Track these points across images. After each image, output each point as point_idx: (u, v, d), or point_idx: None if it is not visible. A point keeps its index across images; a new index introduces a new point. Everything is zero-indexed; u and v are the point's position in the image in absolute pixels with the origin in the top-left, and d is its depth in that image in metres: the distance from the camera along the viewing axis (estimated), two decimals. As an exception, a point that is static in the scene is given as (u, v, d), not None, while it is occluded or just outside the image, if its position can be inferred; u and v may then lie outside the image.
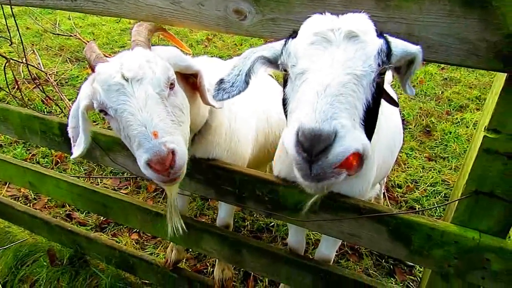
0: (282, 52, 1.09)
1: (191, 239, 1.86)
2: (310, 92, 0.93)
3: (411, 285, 2.39)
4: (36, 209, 2.78)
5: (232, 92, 1.15)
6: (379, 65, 0.99)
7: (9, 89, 4.03)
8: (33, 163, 3.17)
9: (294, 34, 1.09)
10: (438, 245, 1.26)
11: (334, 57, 0.97)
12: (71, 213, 2.88)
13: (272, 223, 2.80)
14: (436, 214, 2.89)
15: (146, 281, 2.29)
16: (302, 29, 1.07)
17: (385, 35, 1.04)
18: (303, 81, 0.99)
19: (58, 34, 5.66)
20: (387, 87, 1.91)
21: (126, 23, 6.70)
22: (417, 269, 2.48)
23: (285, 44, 1.09)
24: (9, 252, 2.43)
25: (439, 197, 3.05)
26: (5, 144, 3.61)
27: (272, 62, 1.17)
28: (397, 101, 2.28)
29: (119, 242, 2.53)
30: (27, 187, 2.36)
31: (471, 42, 0.99)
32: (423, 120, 4.04)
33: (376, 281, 1.69)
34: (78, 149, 1.40)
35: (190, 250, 2.52)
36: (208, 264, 2.50)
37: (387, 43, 1.02)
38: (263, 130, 2.06)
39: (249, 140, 1.91)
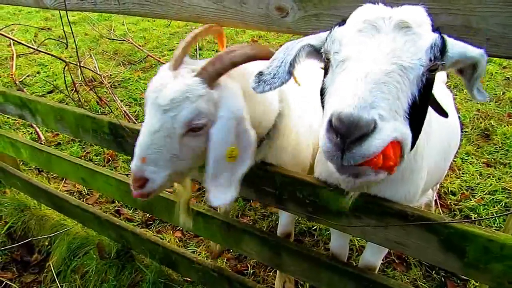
0: (326, 39, 1.03)
1: (231, 239, 1.86)
2: (349, 79, 0.88)
3: (465, 301, 2.21)
4: (88, 204, 2.93)
5: (274, 83, 1.10)
6: (430, 60, 0.92)
7: (68, 91, 4.33)
8: (87, 161, 3.36)
9: (342, 22, 1.03)
10: (497, 259, 1.14)
11: (380, 45, 0.91)
12: (119, 209, 3.01)
13: (315, 227, 2.73)
14: (495, 224, 2.66)
15: (187, 279, 2.33)
16: (351, 17, 1.02)
17: (442, 34, 0.96)
18: (344, 69, 0.93)
19: (112, 39, 6.00)
20: (439, 89, 1.80)
21: (175, 27, 6.94)
22: (471, 283, 2.29)
23: (330, 32, 1.05)
24: (63, 244, 2.59)
25: (498, 206, 2.81)
26: (63, 143, 3.86)
27: (318, 51, 1.12)
28: (452, 104, 2.13)
29: (163, 239, 2.60)
30: (80, 183, 2.50)
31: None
32: (481, 123, 3.75)
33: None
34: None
35: (231, 250, 2.53)
36: (248, 265, 2.49)
37: (443, 40, 0.94)
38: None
39: (310, 145, 1.87)
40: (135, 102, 4.52)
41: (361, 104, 0.81)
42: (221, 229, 1.86)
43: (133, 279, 2.31)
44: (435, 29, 0.96)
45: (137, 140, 1.25)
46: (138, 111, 4.29)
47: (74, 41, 1.85)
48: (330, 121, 0.83)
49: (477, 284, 2.23)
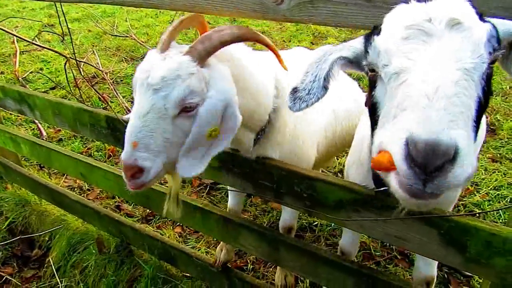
0: (367, 51, 0.97)
1: (229, 234, 1.84)
2: (416, 95, 0.79)
3: (469, 297, 2.17)
4: (89, 199, 2.93)
5: (310, 100, 1.05)
6: (490, 53, 0.85)
7: (70, 87, 4.32)
8: (88, 156, 3.35)
9: (376, 30, 0.96)
10: (499, 254, 1.11)
11: (438, 51, 0.83)
12: (120, 204, 3.00)
13: (316, 222, 2.70)
14: (501, 220, 2.61)
15: (186, 274, 2.31)
16: (387, 23, 0.94)
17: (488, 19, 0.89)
18: (402, 82, 0.85)
19: (115, 35, 5.99)
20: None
21: (178, 23, 6.90)
22: (475, 279, 2.25)
23: (367, 41, 0.98)
24: (63, 239, 2.58)
25: (504, 201, 2.75)
26: (64, 138, 3.86)
27: (353, 62, 1.06)
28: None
29: (163, 235, 2.59)
30: (80, 178, 2.49)
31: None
32: (487, 117, 3.68)
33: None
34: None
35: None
36: (248, 261, 2.47)
37: (494, 25, 0.87)
38: (331, 126, 2.00)
39: (314, 142, 1.85)
40: (137, 98, 4.50)
41: (438, 128, 0.73)
42: (218, 224, 1.84)
43: (132, 274, 2.30)
44: (480, 15, 0.88)
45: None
46: (140, 107, 4.27)
47: (70, 34, 1.82)
48: (406, 146, 0.76)
49: (481, 281, 2.18)
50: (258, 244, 1.75)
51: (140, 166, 1.16)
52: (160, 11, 7.42)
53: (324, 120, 1.94)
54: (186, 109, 1.18)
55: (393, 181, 0.82)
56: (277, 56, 1.39)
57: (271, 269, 2.40)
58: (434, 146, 0.72)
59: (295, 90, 1.08)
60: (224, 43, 1.22)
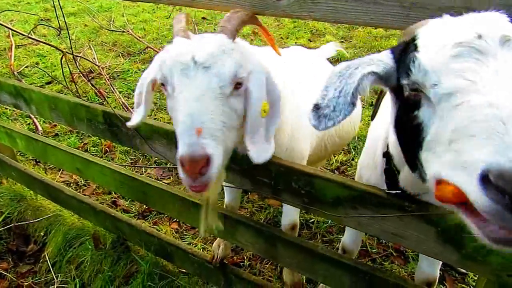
0: (407, 71, 0.90)
1: (226, 231, 1.83)
2: (486, 120, 0.74)
3: (463, 295, 2.19)
4: (85, 195, 2.91)
5: (336, 118, 0.98)
6: None
7: (66, 82, 4.29)
8: (84, 152, 3.33)
9: (410, 47, 0.91)
10: (495, 251, 1.11)
11: (497, 71, 0.78)
12: (116, 200, 2.99)
13: (312, 220, 2.71)
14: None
15: (183, 270, 2.31)
16: (426, 39, 0.89)
17: None
18: (459, 105, 0.79)
19: (112, 30, 5.94)
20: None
21: (176, 18, 6.87)
22: (470, 277, 2.27)
23: (400, 58, 0.93)
24: (59, 235, 2.57)
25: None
26: (61, 134, 3.84)
27: (382, 78, 1.01)
28: None
29: (159, 231, 2.58)
30: (76, 173, 2.48)
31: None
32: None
33: (422, 287, 1.55)
34: (136, 117, 1.44)
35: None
36: (245, 257, 2.47)
37: None
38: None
39: (307, 137, 1.84)
40: (134, 93, 4.47)
41: None
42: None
43: (128, 270, 2.29)
44: None
45: (180, 116, 1.07)
46: (137, 103, 4.25)
47: (67, 28, 1.81)
48: (485, 177, 0.70)
49: (475, 278, 2.20)
50: (255, 241, 1.75)
51: (210, 154, 1.03)
52: (157, 6, 7.38)
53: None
54: (237, 85, 1.16)
55: (475, 230, 0.77)
56: (271, 42, 1.41)
57: (267, 265, 2.41)
58: None
59: (317, 107, 1.00)
60: (245, 22, 1.25)
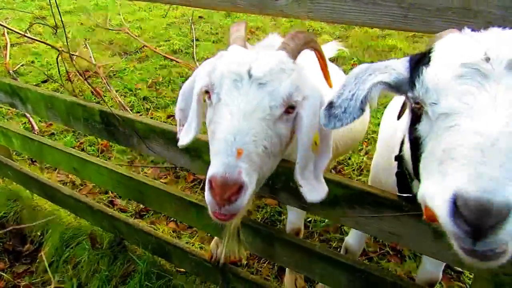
0: (414, 83, 0.90)
1: (224, 230, 1.83)
2: (468, 146, 0.74)
3: (459, 293, 2.20)
4: (82, 194, 2.90)
5: (345, 119, 0.98)
6: None
7: (62, 81, 4.26)
8: (81, 151, 3.32)
9: (425, 59, 0.90)
10: (492, 250, 1.12)
11: (495, 98, 0.76)
12: (113, 199, 2.98)
13: (309, 219, 2.71)
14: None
15: (180, 269, 2.31)
16: (439, 54, 0.88)
17: None
18: (451, 127, 0.79)
19: (108, 29, 5.92)
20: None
21: (172, 17, 6.86)
22: (466, 275, 2.28)
23: (413, 69, 0.92)
24: (56, 235, 2.56)
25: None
26: (57, 133, 3.82)
27: (393, 87, 1.00)
28: None
29: (156, 230, 2.57)
30: (72, 173, 2.47)
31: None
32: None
33: (417, 284, 1.55)
34: (187, 135, 1.26)
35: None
36: (242, 256, 2.47)
37: None
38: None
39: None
40: (130, 92, 4.47)
41: (493, 187, 0.68)
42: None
43: (125, 270, 2.29)
44: None
45: (221, 131, 0.97)
46: (133, 102, 4.24)
47: (63, 27, 1.80)
48: (454, 203, 0.71)
49: (471, 276, 2.21)
50: (252, 240, 1.75)
51: (244, 181, 0.92)
52: (153, 5, 7.35)
53: None
54: (289, 109, 1.05)
55: (451, 238, 0.78)
56: (325, 70, 1.29)
57: (265, 264, 2.41)
58: (485, 206, 0.67)
59: (330, 105, 1.00)
60: (307, 44, 1.15)
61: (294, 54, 1.11)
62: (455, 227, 0.72)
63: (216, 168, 0.93)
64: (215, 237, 2.16)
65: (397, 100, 1.58)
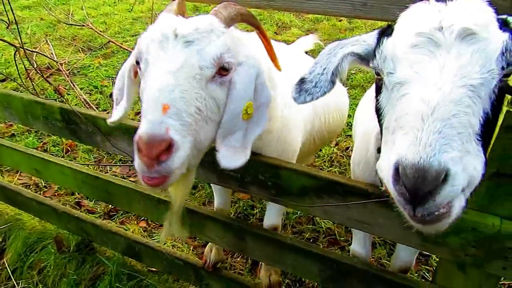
0: (375, 53, 0.90)
1: (195, 227, 1.81)
2: (412, 114, 0.76)
3: (427, 276, 2.28)
4: (46, 197, 2.78)
5: (315, 93, 0.99)
6: (502, 68, 0.78)
7: (21, 79, 4.06)
8: (44, 152, 3.18)
9: (389, 30, 0.90)
10: (453, 233, 1.16)
11: (443, 66, 0.77)
12: (80, 201, 2.87)
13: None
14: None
15: (152, 269, 2.26)
16: (400, 25, 0.88)
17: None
18: (402, 96, 0.81)
19: (71, 24, 5.66)
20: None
21: (138, 12, 6.66)
22: (433, 258, 2.36)
23: (378, 42, 0.92)
24: (19, 240, 2.44)
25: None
26: (17, 134, 3.64)
27: (364, 58, 1.00)
28: None
29: (127, 230, 2.51)
30: (34, 174, 2.36)
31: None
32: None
33: (387, 270, 1.59)
34: (117, 113, 1.28)
35: (197, 238, 2.48)
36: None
37: None
38: (308, 116, 1.89)
39: (299, 129, 1.76)
40: (96, 90, 4.31)
41: (429, 153, 0.70)
42: (184, 215, 1.80)
43: (94, 272, 2.22)
44: (501, 23, 0.81)
45: (147, 91, 0.94)
46: (99, 99, 4.10)
47: (15, 20, 1.70)
48: (396, 169, 0.73)
49: (437, 259, 2.29)
50: (224, 235, 1.73)
51: (171, 138, 0.88)
52: (118, -1, 7.13)
53: (304, 113, 1.83)
54: (222, 71, 1.02)
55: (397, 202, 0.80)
56: (270, 49, 1.28)
57: (238, 259, 2.40)
58: (422, 172, 0.69)
59: (302, 81, 1.01)
60: (242, 16, 1.13)
61: (226, 22, 1.08)
62: (396, 194, 0.75)
63: (141, 127, 0.89)
64: (209, 243, 2.11)
65: (372, 92, 1.59)
